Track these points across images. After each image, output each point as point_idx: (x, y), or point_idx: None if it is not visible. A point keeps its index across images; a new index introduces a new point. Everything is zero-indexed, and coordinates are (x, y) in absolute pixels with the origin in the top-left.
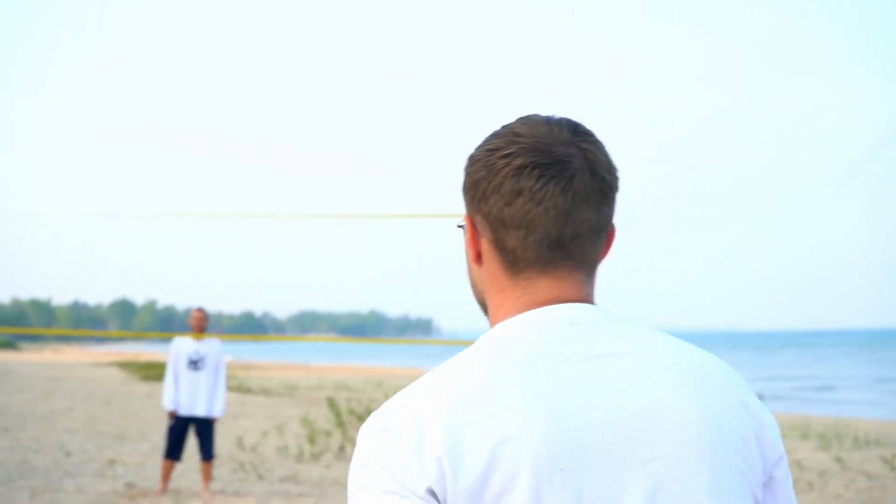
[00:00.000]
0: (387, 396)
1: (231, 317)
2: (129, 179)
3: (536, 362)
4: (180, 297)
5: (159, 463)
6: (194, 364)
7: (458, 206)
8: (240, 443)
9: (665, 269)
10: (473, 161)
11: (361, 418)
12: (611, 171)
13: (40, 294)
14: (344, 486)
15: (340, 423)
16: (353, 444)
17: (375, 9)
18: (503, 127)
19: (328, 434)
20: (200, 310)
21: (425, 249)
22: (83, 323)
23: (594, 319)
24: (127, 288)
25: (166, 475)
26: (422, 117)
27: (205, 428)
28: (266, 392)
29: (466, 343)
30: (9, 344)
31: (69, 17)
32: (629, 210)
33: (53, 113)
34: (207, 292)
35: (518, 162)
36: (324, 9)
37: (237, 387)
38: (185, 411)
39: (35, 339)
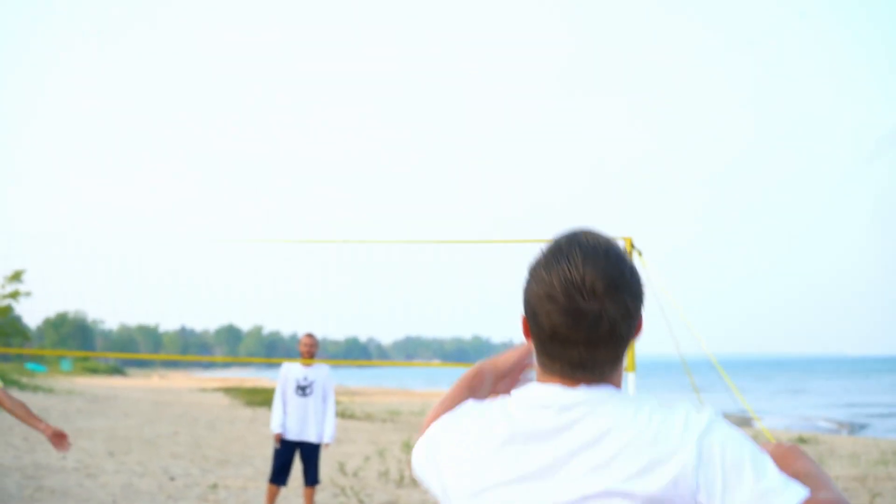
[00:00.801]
0: None
1: (336, 343)
2: (233, 205)
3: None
4: (285, 323)
5: (262, 487)
6: (302, 390)
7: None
8: (341, 468)
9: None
10: (529, 292)
11: None
12: (621, 315)
13: (148, 320)
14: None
15: None
16: None
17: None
18: (548, 264)
19: None
20: (310, 335)
21: (521, 272)
22: (190, 348)
23: (586, 400)
24: (233, 314)
25: (271, 499)
26: (535, 142)
27: (311, 454)
28: (369, 417)
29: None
30: (117, 370)
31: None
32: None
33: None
34: (312, 318)
35: (551, 303)
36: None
37: (340, 412)
38: (293, 436)
39: (142, 364)
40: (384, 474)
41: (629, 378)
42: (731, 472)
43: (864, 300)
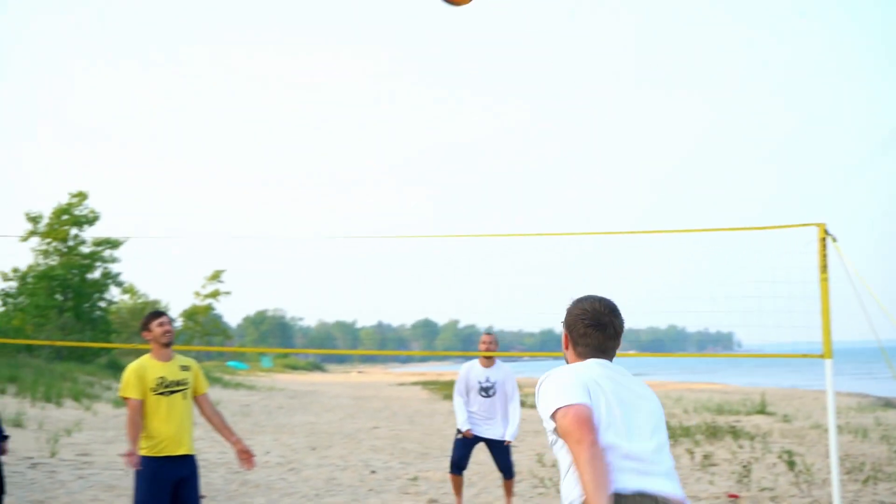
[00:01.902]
0: (686, 412)
1: (531, 335)
2: (422, 204)
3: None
4: (480, 317)
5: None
6: (486, 391)
7: (752, 221)
8: (540, 459)
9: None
10: (572, 316)
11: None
12: (622, 326)
13: (345, 317)
14: None
15: None
16: None
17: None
18: (580, 302)
19: None
20: (489, 333)
21: (724, 263)
22: (387, 343)
23: (609, 365)
24: (429, 309)
25: (457, 488)
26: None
27: (500, 450)
28: None
29: (767, 356)
30: (316, 366)
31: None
32: None
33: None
34: (506, 312)
35: (587, 323)
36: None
37: (532, 404)
38: (477, 433)
39: (341, 360)
40: None
41: (826, 364)
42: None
43: None
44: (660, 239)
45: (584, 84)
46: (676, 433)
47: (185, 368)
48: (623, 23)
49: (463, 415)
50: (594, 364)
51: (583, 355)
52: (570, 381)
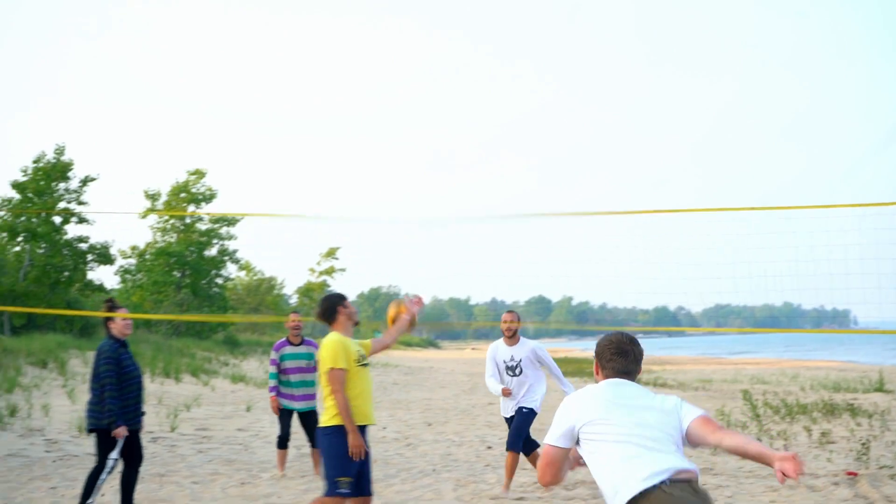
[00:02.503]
0: (803, 390)
1: (645, 311)
2: (532, 180)
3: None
4: (593, 294)
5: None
6: (511, 370)
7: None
8: None
9: None
10: (601, 346)
11: (777, 411)
12: (641, 354)
13: (459, 294)
14: (760, 477)
15: (756, 416)
16: (770, 436)
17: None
18: (608, 336)
19: (744, 427)
20: (511, 311)
21: (838, 240)
22: (498, 321)
23: (628, 384)
24: (543, 286)
25: (509, 470)
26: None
27: (520, 419)
28: (681, 385)
29: (886, 333)
30: (431, 343)
31: None
32: None
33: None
34: (617, 289)
35: (612, 350)
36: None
37: (653, 381)
38: (509, 412)
39: (455, 336)
40: None
41: None
42: None
43: None
44: (774, 217)
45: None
46: (793, 410)
47: (362, 346)
48: None
49: (496, 386)
50: (611, 384)
51: (609, 377)
52: (562, 416)
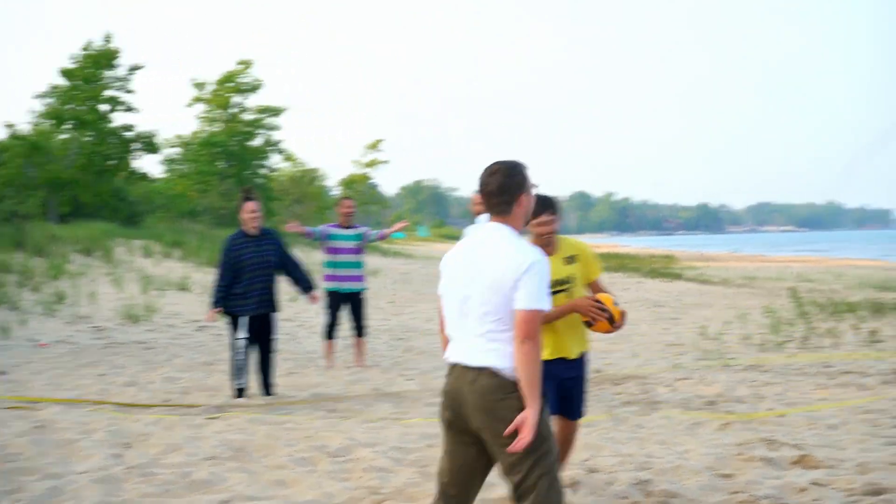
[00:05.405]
0: (847, 288)
1: (687, 208)
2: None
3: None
4: (636, 190)
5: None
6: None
7: None
8: (703, 331)
9: None
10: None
11: (824, 308)
12: (487, 184)
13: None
14: (809, 374)
15: (803, 314)
16: (818, 334)
17: None
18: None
19: (791, 324)
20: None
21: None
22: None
23: (482, 227)
24: (585, 181)
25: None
26: None
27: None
28: (725, 282)
29: None
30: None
31: None
32: None
33: None
34: (663, 185)
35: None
36: None
37: (697, 277)
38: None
39: None
40: (746, 338)
41: None
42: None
43: None
44: (815, 113)
45: None
46: (840, 308)
47: (569, 261)
48: None
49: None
50: (472, 230)
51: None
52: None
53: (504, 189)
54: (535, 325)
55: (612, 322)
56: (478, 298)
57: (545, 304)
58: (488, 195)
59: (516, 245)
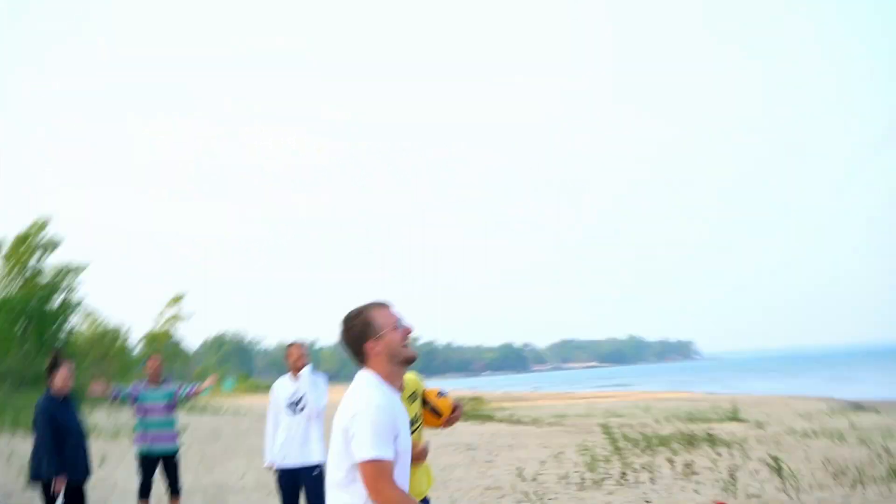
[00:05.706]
0: (657, 421)
1: (491, 349)
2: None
3: None
4: (440, 333)
5: None
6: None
7: None
8: (520, 473)
9: None
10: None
11: (637, 444)
12: (343, 335)
13: (306, 336)
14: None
15: (618, 450)
16: (634, 469)
17: None
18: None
19: (607, 461)
20: (299, 345)
21: (680, 272)
22: (346, 364)
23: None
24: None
25: None
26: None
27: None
28: (536, 422)
29: (727, 362)
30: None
31: None
32: None
33: None
34: (463, 326)
35: None
36: None
37: (507, 418)
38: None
39: None
40: (564, 477)
41: None
42: None
43: None
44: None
45: None
46: (653, 442)
47: (413, 399)
48: None
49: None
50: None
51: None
52: None
53: (348, 342)
54: (376, 479)
55: (438, 415)
56: (332, 448)
57: (384, 452)
58: (344, 348)
59: (360, 391)
